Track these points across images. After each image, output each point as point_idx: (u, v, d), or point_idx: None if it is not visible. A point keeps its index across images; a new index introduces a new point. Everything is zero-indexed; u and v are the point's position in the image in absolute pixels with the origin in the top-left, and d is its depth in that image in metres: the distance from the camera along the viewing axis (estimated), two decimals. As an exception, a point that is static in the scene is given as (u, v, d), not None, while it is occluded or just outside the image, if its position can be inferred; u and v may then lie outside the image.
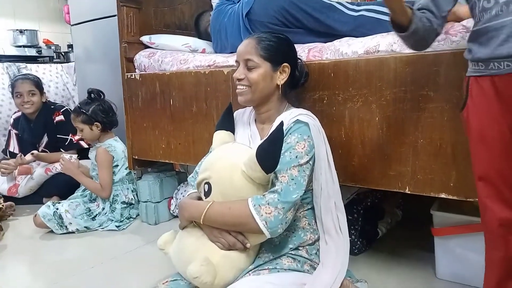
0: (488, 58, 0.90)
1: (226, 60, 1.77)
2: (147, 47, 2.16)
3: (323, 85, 1.45)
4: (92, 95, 2.30)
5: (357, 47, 1.42)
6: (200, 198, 1.27)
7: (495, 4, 0.87)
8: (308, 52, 1.54)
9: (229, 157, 1.22)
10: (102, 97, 2.33)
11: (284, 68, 1.29)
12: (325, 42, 1.59)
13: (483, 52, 0.91)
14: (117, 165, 2.30)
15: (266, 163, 1.11)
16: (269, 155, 1.11)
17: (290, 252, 1.24)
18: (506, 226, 0.96)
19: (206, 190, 1.21)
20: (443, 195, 1.27)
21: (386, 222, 1.88)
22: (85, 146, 2.67)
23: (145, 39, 2.13)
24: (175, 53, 2.02)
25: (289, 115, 1.26)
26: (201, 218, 1.17)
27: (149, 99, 2.02)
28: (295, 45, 1.39)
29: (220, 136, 1.35)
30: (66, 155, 2.33)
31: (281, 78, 1.30)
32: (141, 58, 2.09)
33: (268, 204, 1.11)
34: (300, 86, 1.40)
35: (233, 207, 1.14)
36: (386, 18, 1.10)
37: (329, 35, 1.66)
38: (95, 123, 2.26)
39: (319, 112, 1.42)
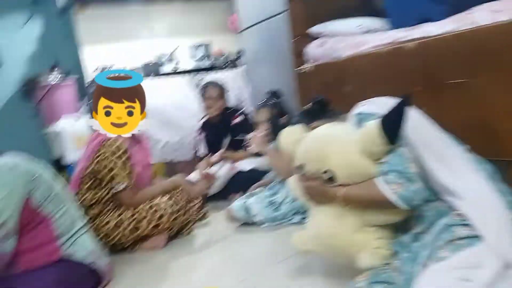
0: None
1: (407, 34, 1.59)
2: (314, 38, 2.12)
3: None
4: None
5: None
6: None
7: None
8: None
9: (338, 139, 1.25)
10: None
11: None
12: None
13: None
14: None
15: (391, 135, 1.12)
16: (395, 126, 1.12)
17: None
18: None
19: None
20: None
21: None
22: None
23: (314, 29, 2.09)
24: (347, 38, 1.93)
25: None
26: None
27: (324, 89, 1.97)
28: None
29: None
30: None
31: None
32: (312, 50, 2.05)
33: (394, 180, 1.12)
34: None
35: (364, 188, 1.18)
36: None
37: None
38: None
39: None
